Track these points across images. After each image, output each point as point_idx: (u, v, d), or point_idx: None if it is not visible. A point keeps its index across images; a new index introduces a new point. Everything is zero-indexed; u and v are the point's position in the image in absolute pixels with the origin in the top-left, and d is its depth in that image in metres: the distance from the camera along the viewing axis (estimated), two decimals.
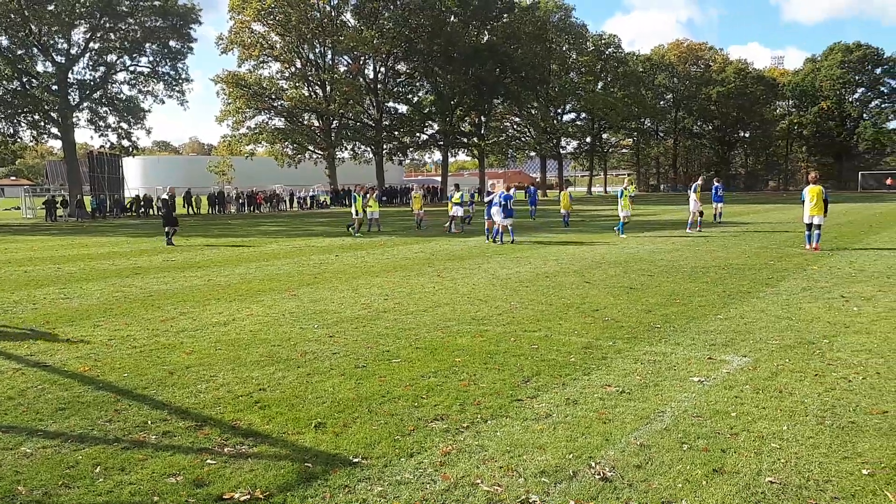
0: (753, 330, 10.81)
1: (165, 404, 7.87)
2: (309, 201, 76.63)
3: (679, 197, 78.70)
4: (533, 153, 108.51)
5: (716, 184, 37.18)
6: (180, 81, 70.12)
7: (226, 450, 6.63)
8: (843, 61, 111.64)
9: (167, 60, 69.33)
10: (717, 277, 15.65)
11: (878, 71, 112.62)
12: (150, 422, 7.37)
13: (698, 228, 29.95)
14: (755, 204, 59.03)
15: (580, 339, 10.34)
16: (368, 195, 33.16)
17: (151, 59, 68.94)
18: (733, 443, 6.54)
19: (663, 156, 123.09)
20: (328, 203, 78.45)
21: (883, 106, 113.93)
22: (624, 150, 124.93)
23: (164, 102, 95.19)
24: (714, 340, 10.20)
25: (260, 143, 77.26)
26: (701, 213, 30.82)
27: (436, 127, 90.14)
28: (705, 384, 8.15)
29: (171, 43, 68.75)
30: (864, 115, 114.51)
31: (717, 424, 6.95)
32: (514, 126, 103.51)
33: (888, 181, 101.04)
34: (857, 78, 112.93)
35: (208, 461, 6.39)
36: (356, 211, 31.83)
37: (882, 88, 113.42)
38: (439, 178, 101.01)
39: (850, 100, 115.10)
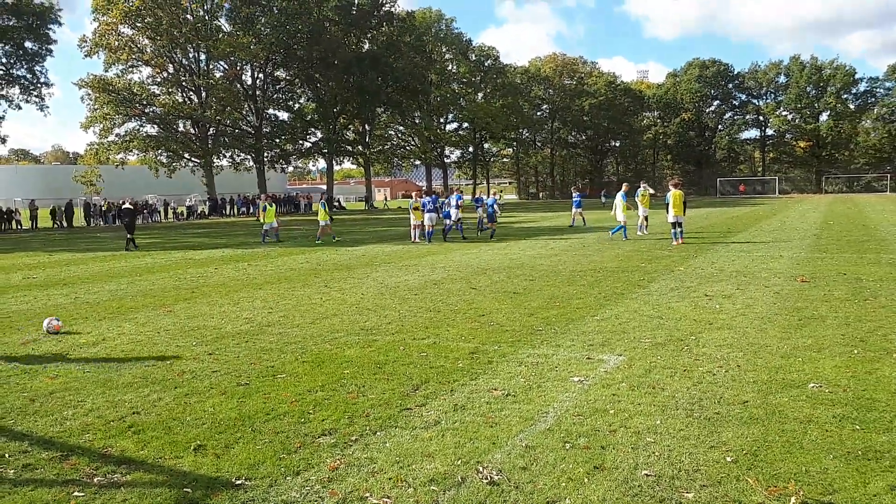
0: (627, 329, 10.94)
1: (26, 435, 7.19)
2: (185, 212, 71.87)
3: (557, 204, 79.80)
4: (418, 162, 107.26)
5: (575, 194, 38.40)
6: (38, 85, 64.80)
7: (95, 480, 6.11)
8: (700, 76, 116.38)
9: (22, 63, 63.86)
10: (593, 280, 15.75)
11: (730, 86, 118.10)
12: (7, 454, 6.72)
13: (646, 231, 29.13)
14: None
15: (467, 345, 10.25)
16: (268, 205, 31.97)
17: (4, 60, 63.31)
18: (612, 439, 6.60)
19: (541, 164, 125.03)
20: (206, 213, 73.81)
21: (735, 117, 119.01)
22: (505, 160, 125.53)
23: (20, 108, 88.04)
24: (592, 341, 10.28)
25: (131, 150, 71.69)
26: (646, 219, 29.85)
27: (319, 135, 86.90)
28: (585, 384, 8.21)
29: (27, 44, 63.21)
30: (720, 126, 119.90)
31: (596, 422, 7.00)
32: (399, 135, 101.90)
33: (741, 188, 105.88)
34: (712, 91, 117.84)
35: (76, 493, 5.89)
36: (323, 220, 30.81)
37: (734, 101, 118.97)
38: (324, 187, 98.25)
39: (708, 111, 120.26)
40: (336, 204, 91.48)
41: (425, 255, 22.44)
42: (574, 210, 37.77)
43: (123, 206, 30.93)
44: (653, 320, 11.61)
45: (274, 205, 32.44)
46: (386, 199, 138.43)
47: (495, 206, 29.99)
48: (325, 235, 31.21)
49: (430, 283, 16.12)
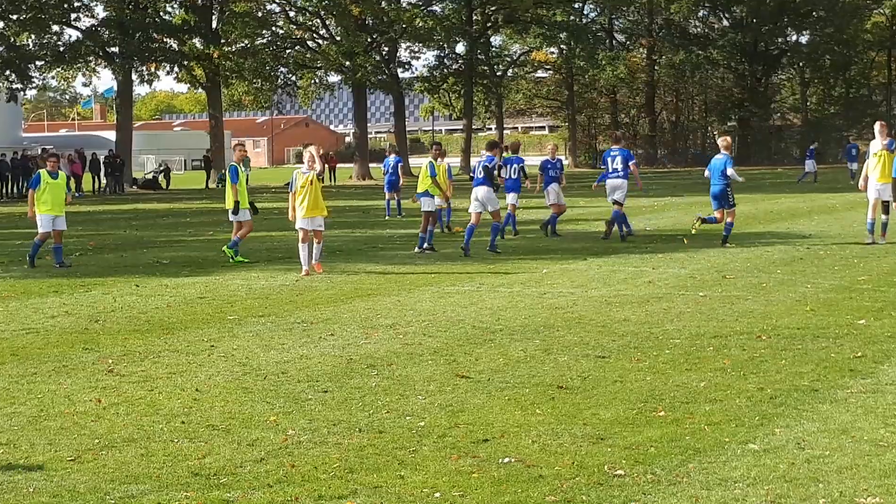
0: (827, 477, 4.86)
1: None
2: None
3: (674, 176, 62.77)
4: (336, 78, 63.22)
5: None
6: None
7: None
8: None
9: None
10: (744, 357, 8.20)
11: None
12: None
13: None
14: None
15: None
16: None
17: None
18: None
19: (626, 88, 77.32)
20: None
21: None
22: (540, 74, 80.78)
23: None
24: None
25: None
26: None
27: (101, 14, 49.37)
28: None
29: None
30: None
31: None
32: (289, 19, 59.24)
33: None
34: None
35: None
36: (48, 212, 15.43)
37: None
38: (109, 134, 61.93)
39: None
40: (153, 174, 53.43)
41: (349, 295, 12.53)
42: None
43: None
44: (888, 452, 5.15)
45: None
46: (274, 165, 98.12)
47: (560, 175, 19.85)
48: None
49: (362, 362, 8.45)
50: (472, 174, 18.75)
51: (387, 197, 26.84)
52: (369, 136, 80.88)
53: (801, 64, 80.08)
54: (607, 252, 16.78)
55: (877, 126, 17.19)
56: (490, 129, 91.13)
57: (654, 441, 5.75)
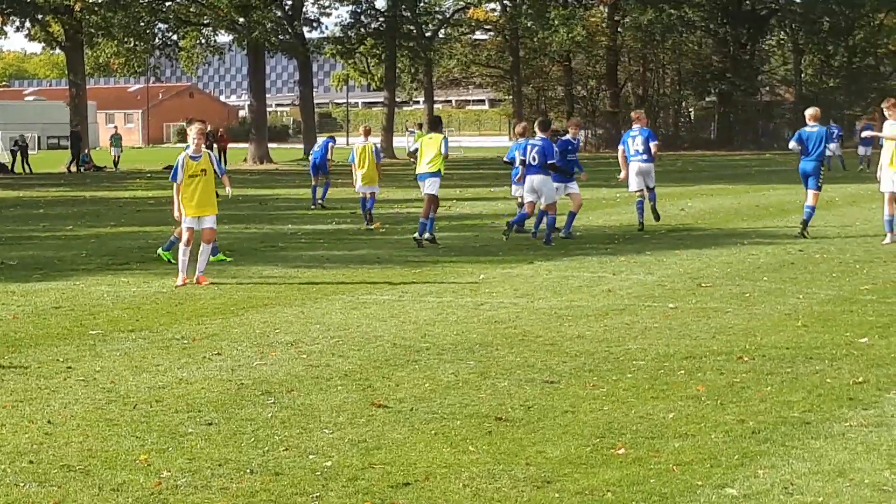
0: None
1: None
2: None
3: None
4: (226, 38, 65.53)
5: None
6: None
7: None
8: None
9: None
10: (721, 383, 8.43)
11: None
12: None
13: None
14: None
15: None
16: None
17: None
18: None
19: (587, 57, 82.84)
20: None
21: None
22: (480, 34, 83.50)
23: None
24: None
25: None
26: None
27: None
28: None
29: None
30: None
31: None
32: None
33: None
34: None
35: None
36: None
37: None
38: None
39: None
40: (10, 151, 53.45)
41: (241, 305, 12.78)
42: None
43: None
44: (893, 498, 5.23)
45: None
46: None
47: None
48: None
49: (255, 387, 8.51)
50: (509, 159, 20.22)
51: (312, 182, 28.47)
52: (269, 109, 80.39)
53: (794, 27, 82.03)
54: (558, 254, 17.24)
55: (885, 105, 17.86)
56: (417, 102, 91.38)
57: (611, 485, 5.85)
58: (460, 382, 8.54)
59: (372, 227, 21.58)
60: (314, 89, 69.93)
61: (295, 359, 9.51)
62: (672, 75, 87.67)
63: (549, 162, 18.28)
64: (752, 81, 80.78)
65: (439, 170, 18.88)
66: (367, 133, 23.37)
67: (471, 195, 28.13)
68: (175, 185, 14.37)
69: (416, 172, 19.19)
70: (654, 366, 9.04)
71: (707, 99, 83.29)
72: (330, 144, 28.52)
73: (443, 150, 18.67)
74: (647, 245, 18.01)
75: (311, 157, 29.96)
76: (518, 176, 19.54)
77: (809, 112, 19.02)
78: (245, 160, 59.55)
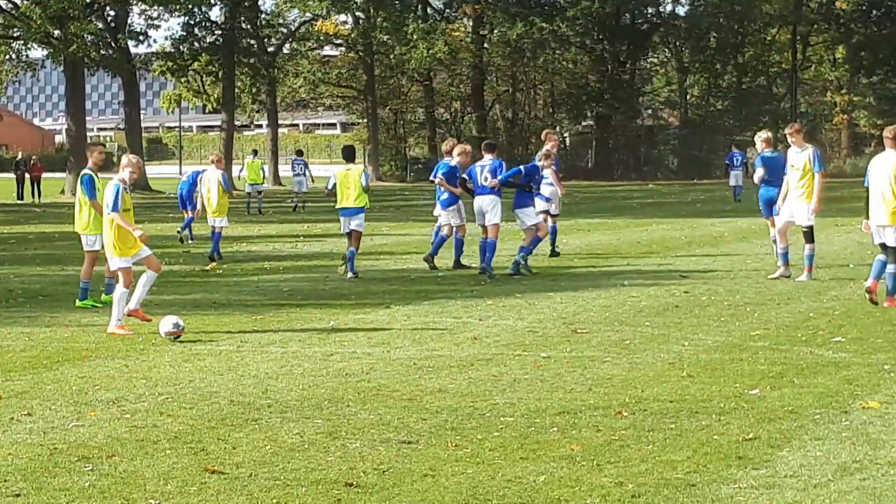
0: None
1: None
2: None
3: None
4: (40, 53, 67.41)
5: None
6: None
7: None
8: None
9: None
10: (598, 441, 8.69)
11: None
12: None
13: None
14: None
15: None
16: None
17: None
18: None
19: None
20: None
21: None
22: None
23: None
24: None
25: None
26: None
27: None
28: None
29: None
30: None
31: None
32: None
33: None
34: None
35: None
36: None
37: None
38: None
39: None
40: None
41: (55, 358, 12.75)
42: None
43: None
44: None
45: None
46: None
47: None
48: None
49: (71, 452, 8.54)
50: (434, 178, 21.86)
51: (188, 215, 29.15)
52: (90, 133, 78.90)
53: (678, 43, 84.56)
54: (418, 297, 17.34)
55: (788, 131, 18.79)
56: (260, 125, 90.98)
57: None
58: (306, 444, 8.53)
59: (207, 268, 21.40)
60: (142, 111, 68.97)
61: (117, 419, 9.37)
62: (544, 96, 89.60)
63: (509, 179, 20.02)
64: (633, 104, 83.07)
65: (366, 204, 20.35)
66: (219, 162, 24.46)
67: (319, 231, 28.07)
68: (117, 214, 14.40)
69: (339, 207, 20.29)
70: (523, 422, 9.15)
71: (583, 123, 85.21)
72: (200, 177, 28.26)
73: (363, 184, 19.98)
74: (517, 287, 18.29)
75: (178, 190, 30.40)
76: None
77: (764, 136, 20.24)
78: (62, 192, 58.26)
